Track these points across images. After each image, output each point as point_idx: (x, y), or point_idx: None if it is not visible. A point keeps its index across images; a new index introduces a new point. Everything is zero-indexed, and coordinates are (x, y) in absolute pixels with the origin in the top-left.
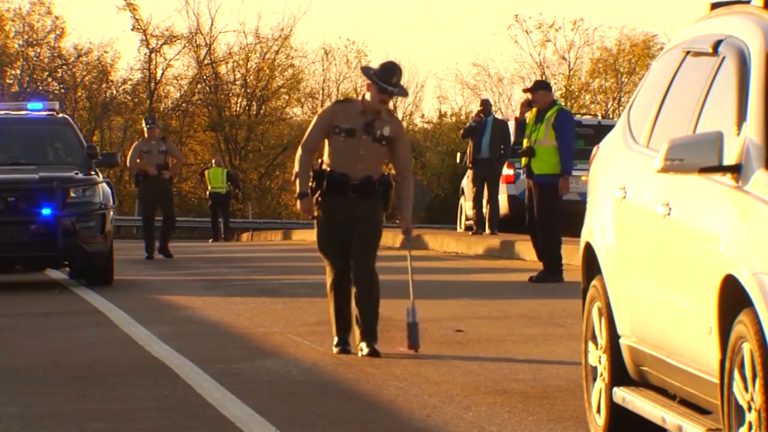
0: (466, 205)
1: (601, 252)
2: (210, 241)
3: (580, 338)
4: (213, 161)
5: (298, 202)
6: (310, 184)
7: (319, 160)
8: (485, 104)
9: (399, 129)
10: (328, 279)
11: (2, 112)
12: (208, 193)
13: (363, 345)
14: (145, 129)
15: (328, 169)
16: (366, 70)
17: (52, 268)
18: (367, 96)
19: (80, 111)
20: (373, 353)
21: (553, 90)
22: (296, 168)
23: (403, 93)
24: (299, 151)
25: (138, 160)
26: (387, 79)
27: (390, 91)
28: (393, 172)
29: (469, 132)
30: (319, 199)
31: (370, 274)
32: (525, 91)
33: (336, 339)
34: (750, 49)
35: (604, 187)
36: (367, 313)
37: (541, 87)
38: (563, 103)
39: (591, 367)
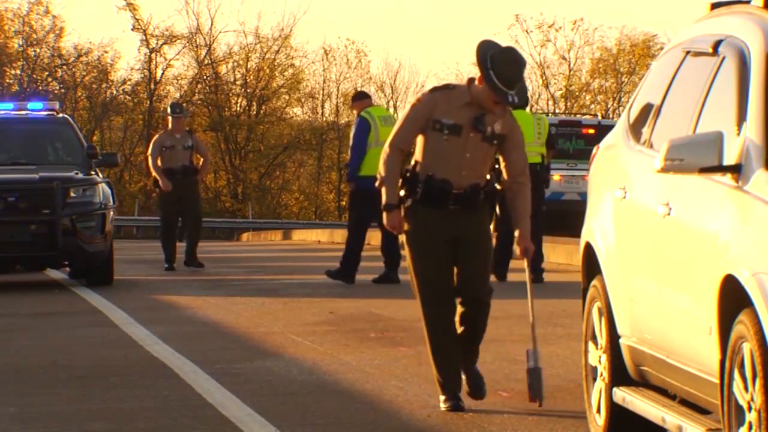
0: None
1: (601, 252)
2: None
3: (580, 338)
4: None
5: (385, 214)
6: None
7: (412, 162)
8: None
9: (513, 124)
10: (429, 323)
11: (2, 112)
12: None
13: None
14: (170, 119)
15: (425, 174)
16: (482, 58)
17: (52, 268)
18: (476, 83)
19: (80, 111)
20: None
21: (371, 99)
22: (382, 172)
23: (523, 100)
24: (386, 151)
25: (159, 159)
26: (509, 82)
27: (511, 99)
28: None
29: None
30: (409, 208)
31: (485, 305)
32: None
33: (444, 395)
34: (750, 49)
35: (604, 187)
36: (472, 347)
37: (356, 98)
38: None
39: (591, 367)
